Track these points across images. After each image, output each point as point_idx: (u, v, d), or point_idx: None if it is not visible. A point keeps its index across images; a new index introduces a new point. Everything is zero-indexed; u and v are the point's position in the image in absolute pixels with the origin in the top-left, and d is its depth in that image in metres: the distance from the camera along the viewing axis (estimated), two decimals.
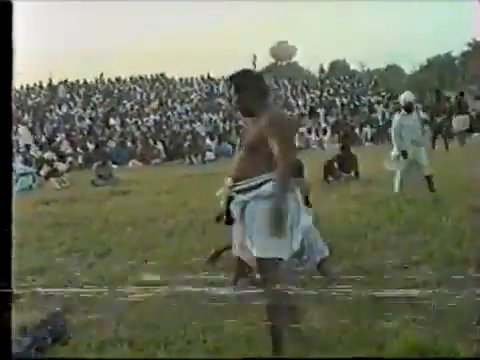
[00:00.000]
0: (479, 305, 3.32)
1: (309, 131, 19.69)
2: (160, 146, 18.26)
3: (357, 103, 24.77)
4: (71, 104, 25.33)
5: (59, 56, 40.95)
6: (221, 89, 26.90)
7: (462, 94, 15.72)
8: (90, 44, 49.24)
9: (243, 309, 3.49)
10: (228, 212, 2.97)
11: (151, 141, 18.44)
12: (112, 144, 18.46)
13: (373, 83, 29.70)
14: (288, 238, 2.87)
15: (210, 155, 17.06)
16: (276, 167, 2.84)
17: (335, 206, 6.95)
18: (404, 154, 7.34)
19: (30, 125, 21.38)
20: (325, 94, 26.76)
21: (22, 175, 12.18)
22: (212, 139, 18.56)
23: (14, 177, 10.56)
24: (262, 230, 2.82)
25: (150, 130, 20.98)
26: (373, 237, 5.34)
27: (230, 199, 2.92)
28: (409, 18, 59.97)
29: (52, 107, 24.81)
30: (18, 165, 12.65)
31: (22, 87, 27.86)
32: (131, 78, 29.89)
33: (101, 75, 29.74)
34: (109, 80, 29.60)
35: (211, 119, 22.75)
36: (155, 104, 25.52)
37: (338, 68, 40.01)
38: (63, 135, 19.66)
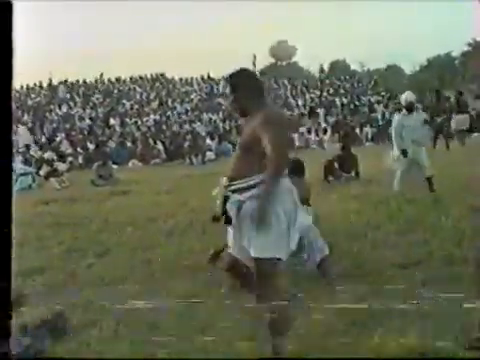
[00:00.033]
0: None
1: (309, 131, 19.68)
2: (160, 146, 18.25)
3: (357, 103, 24.77)
4: (71, 104, 25.33)
5: (59, 56, 40.95)
6: (221, 89, 26.89)
7: (461, 94, 15.72)
8: (90, 44, 49.28)
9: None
10: (226, 212, 2.96)
11: (151, 141, 18.42)
12: (112, 144, 18.44)
13: (373, 83, 29.70)
14: (285, 238, 2.87)
15: (210, 155, 17.04)
16: (282, 165, 2.84)
17: (335, 206, 6.95)
18: (404, 153, 7.35)
19: (30, 125, 21.37)
20: (325, 94, 26.76)
21: (22, 175, 12.18)
22: (212, 139, 18.55)
23: (14, 177, 10.56)
24: (259, 230, 2.83)
25: (150, 130, 20.98)
26: (373, 236, 5.34)
27: (226, 199, 2.92)
28: (409, 18, 60.13)
29: (52, 107, 24.81)
30: (18, 165, 12.65)
31: (22, 87, 27.86)
32: (131, 78, 29.89)
33: (101, 75, 29.75)
34: (109, 80, 29.59)
35: (211, 119, 22.75)
36: (155, 104, 25.52)
37: (338, 68, 40.05)
38: (63, 135, 19.64)
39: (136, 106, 25.05)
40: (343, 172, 9.60)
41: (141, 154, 17.51)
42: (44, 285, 4.52)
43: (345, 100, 25.28)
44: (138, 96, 27.02)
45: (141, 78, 30.02)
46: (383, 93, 26.58)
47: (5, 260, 2.42)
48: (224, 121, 22.12)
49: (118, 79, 29.61)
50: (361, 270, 4.37)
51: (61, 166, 14.21)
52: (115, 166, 14.52)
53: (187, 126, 21.48)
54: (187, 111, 24.41)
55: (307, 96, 26.59)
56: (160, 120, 22.83)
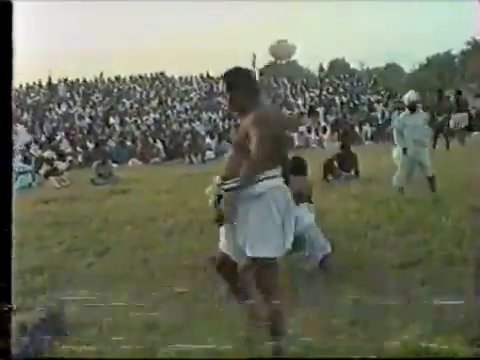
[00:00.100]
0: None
1: (309, 130, 19.65)
2: (160, 145, 18.24)
3: (357, 102, 24.75)
4: (71, 103, 25.29)
5: (59, 56, 40.85)
6: (221, 88, 26.86)
7: (460, 92, 15.72)
8: (90, 44, 49.14)
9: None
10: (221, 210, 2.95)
11: (151, 140, 18.42)
12: (112, 143, 18.43)
13: (373, 82, 29.67)
14: (280, 237, 2.88)
15: (210, 154, 17.03)
16: (265, 166, 2.84)
17: (335, 205, 6.95)
18: (405, 151, 7.36)
19: (30, 124, 21.36)
20: (325, 93, 26.72)
21: (21, 173, 12.17)
22: (212, 138, 18.53)
23: (13, 175, 10.55)
24: (254, 230, 2.83)
25: (150, 129, 20.97)
26: (373, 236, 5.34)
27: (219, 198, 2.92)
28: (409, 17, 60.19)
29: (52, 106, 24.78)
30: (17, 163, 12.63)
31: (21, 86, 27.81)
32: (131, 77, 29.83)
33: (101, 74, 29.70)
34: (109, 79, 29.54)
35: (211, 118, 22.74)
36: (155, 103, 25.49)
37: (338, 67, 40.06)
38: (63, 134, 19.63)
39: (136, 105, 25.03)
40: (343, 171, 9.60)
41: (141, 153, 17.51)
42: (44, 284, 4.52)
43: (345, 99, 25.26)
44: (138, 95, 26.98)
45: (141, 77, 29.97)
46: (383, 92, 26.57)
47: (5, 260, 2.42)
48: (224, 120, 22.10)
49: (118, 78, 29.56)
50: (361, 270, 4.37)
51: (61, 165, 14.19)
52: (115, 165, 14.51)
53: (187, 125, 21.47)
54: (187, 110, 24.39)
55: (307, 95, 26.57)
56: (160, 119, 22.81)
